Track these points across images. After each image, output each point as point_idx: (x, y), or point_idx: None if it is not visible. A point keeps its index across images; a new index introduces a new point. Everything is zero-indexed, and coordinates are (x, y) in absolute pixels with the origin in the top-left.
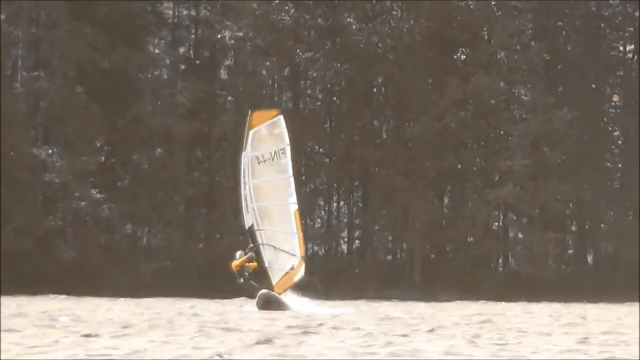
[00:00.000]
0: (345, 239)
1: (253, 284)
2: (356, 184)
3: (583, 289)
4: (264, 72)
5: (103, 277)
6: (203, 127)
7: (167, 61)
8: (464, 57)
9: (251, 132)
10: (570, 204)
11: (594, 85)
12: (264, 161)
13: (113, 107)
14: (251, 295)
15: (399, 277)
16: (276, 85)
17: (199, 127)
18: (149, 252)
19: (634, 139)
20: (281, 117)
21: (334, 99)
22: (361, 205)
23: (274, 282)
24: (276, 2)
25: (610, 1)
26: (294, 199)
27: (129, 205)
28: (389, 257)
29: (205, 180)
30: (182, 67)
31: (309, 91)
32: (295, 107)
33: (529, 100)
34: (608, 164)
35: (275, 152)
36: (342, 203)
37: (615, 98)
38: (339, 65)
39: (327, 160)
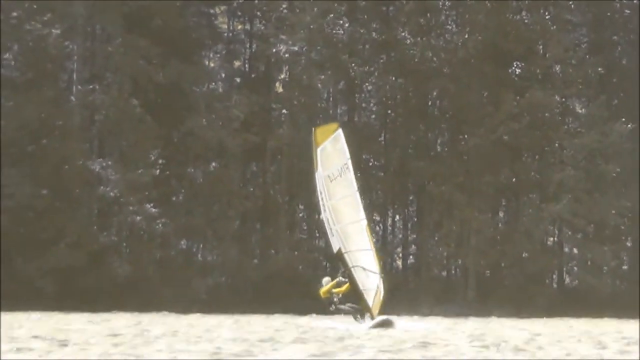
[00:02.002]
0: (400, 255)
1: (346, 308)
2: (411, 198)
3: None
4: (319, 85)
5: (157, 292)
6: (258, 140)
7: (222, 75)
8: (519, 70)
9: (318, 151)
10: (625, 219)
11: None
12: (335, 179)
13: (168, 121)
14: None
15: (453, 293)
16: (331, 99)
17: (254, 140)
18: (203, 268)
19: None
20: (340, 130)
21: (389, 112)
22: (416, 220)
23: (370, 304)
24: (331, 16)
25: None
26: (363, 214)
27: (183, 220)
28: (444, 273)
29: (260, 195)
30: (237, 80)
31: (363, 104)
32: (350, 120)
33: (584, 114)
34: None
35: (341, 168)
36: (397, 217)
37: None
38: (393, 78)
39: (382, 173)
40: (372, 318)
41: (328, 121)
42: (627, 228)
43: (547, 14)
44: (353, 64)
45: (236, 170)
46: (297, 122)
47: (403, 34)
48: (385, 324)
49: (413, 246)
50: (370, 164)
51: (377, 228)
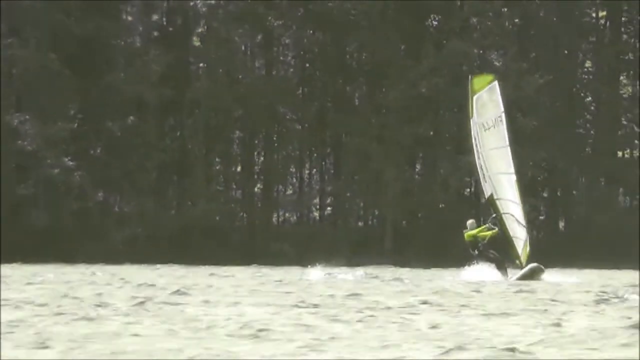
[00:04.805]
0: (317, 206)
1: (490, 254)
2: (328, 150)
3: (555, 254)
4: (236, 39)
5: (76, 244)
6: (175, 94)
7: (140, 28)
8: (436, 23)
9: (474, 99)
10: (543, 171)
11: (566, 51)
12: (489, 129)
13: (86, 75)
14: (497, 264)
15: (370, 244)
16: (249, 52)
17: (172, 94)
18: (121, 219)
19: (606, 105)
20: (496, 82)
21: (307, 65)
22: (333, 172)
23: (519, 252)
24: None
25: None
26: (512, 168)
27: (101, 173)
28: (361, 224)
29: (177, 147)
30: (155, 34)
31: (281, 58)
32: (268, 73)
33: (502, 66)
34: (580, 130)
35: (495, 119)
36: (314, 170)
37: (588, 64)
38: (311, 32)
39: (300, 127)
40: (521, 265)
41: (247, 74)
42: (544, 179)
43: None
44: (270, 17)
45: (154, 124)
46: (214, 76)
47: None
48: (536, 272)
49: (330, 197)
50: (288, 116)
51: (294, 179)
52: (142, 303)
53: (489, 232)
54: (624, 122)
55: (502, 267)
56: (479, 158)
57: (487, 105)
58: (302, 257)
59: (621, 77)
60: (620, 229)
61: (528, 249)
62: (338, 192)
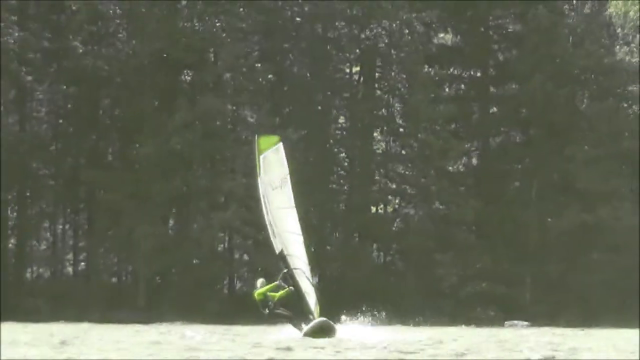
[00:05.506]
0: (71, 261)
1: (283, 312)
2: (82, 206)
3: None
4: None
5: None
6: None
7: None
8: (189, 78)
9: (261, 158)
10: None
11: (320, 107)
12: (275, 188)
13: None
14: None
15: (124, 300)
16: (2, 108)
17: None
18: None
19: (360, 161)
20: (281, 144)
21: (60, 121)
22: (87, 227)
23: (312, 307)
24: (2, 25)
25: (337, 24)
26: (299, 229)
27: None
28: (114, 280)
29: None
30: None
31: (34, 114)
32: (22, 129)
33: (254, 122)
34: (334, 185)
35: (281, 180)
36: (67, 226)
37: (342, 120)
38: (65, 87)
39: (53, 182)
40: (314, 318)
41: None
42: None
43: (217, 22)
44: (23, 73)
45: None
46: None
47: (75, 43)
48: (323, 328)
49: (84, 253)
50: (41, 172)
51: (48, 234)
52: None
53: (280, 292)
54: (377, 178)
55: (296, 324)
56: (267, 214)
57: (273, 165)
58: (56, 313)
59: (375, 133)
60: (373, 285)
61: (318, 308)
62: (91, 248)
